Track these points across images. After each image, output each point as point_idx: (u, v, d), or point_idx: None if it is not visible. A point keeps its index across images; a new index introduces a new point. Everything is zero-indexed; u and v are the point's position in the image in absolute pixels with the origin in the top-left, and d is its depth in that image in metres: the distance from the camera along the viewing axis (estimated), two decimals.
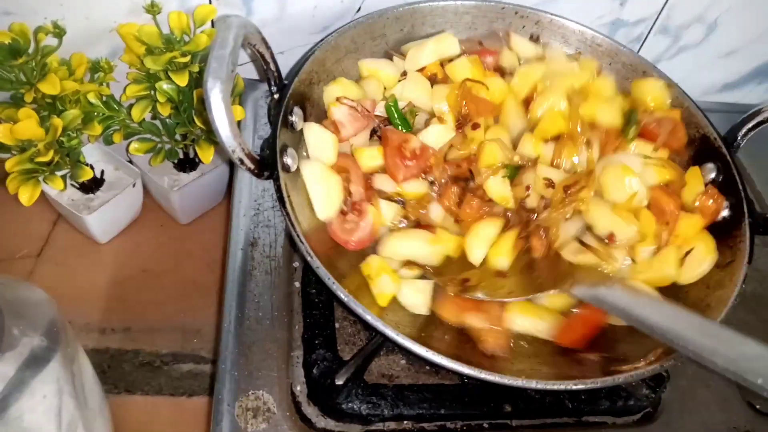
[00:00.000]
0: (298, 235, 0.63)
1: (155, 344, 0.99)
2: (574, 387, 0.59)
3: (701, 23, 1.06)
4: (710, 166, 0.78)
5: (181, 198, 1.06)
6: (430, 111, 0.81)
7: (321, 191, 0.73)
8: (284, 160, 0.70)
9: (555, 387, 0.59)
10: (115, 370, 0.96)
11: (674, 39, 1.08)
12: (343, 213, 0.75)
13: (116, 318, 1.01)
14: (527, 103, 0.82)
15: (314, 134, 0.76)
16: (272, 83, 0.73)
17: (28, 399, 0.60)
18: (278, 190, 0.65)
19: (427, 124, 0.79)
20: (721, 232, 0.75)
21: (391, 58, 0.86)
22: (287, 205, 0.65)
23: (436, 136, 0.79)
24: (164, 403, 0.94)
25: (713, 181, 0.78)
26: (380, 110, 0.81)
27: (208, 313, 1.03)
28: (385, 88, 0.84)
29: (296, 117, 0.74)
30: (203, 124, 0.93)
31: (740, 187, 0.74)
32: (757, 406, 0.80)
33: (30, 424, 0.59)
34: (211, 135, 0.95)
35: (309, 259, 0.62)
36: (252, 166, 0.63)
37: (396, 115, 0.80)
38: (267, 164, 0.66)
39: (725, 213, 0.75)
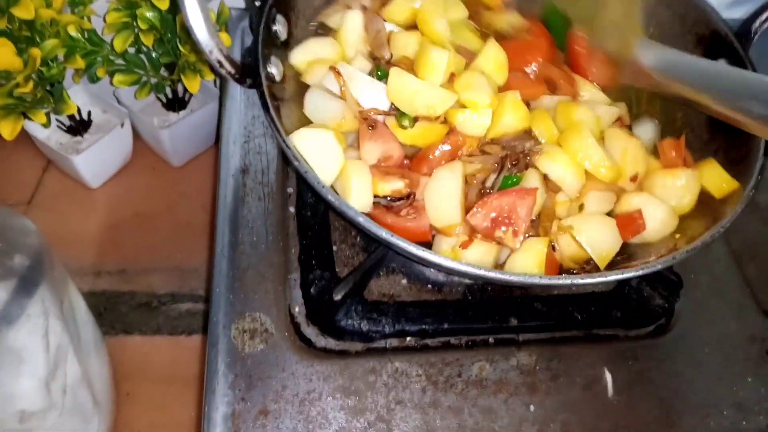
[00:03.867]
0: (283, 140, 0.59)
1: (151, 285, 0.97)
2: (581, 281, 0.56)
3: None
4: (722, 62, 0.74)
5: (171, 137, 1.03)
6: None
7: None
8: (268, 69, 0.66)
9: (560, 282, 0.57)
10: (112, 312, 0.94)
11: None
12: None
13: (110, 261, 0.99)
14: None
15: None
16: None
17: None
18: (261, 95, 0.62)
19: None
20: (734, 128, 0.70)
21: None
22: (271, 111, 0.61)
23: None
24: (163, 342, 0.92)
25: None
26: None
27: (204, 253, 1.01)
28: None
29: (280, 26, 0.70)
30: (188, 50, 0.89)
31: None
32: None
33: (15, 343, 0.57)
34: (196, 64, 0.91)
35: (296, 163, 0.58)
36: (232, 70, 0.59)
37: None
38: (249, 71, 0.62)
39: None
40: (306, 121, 0.72)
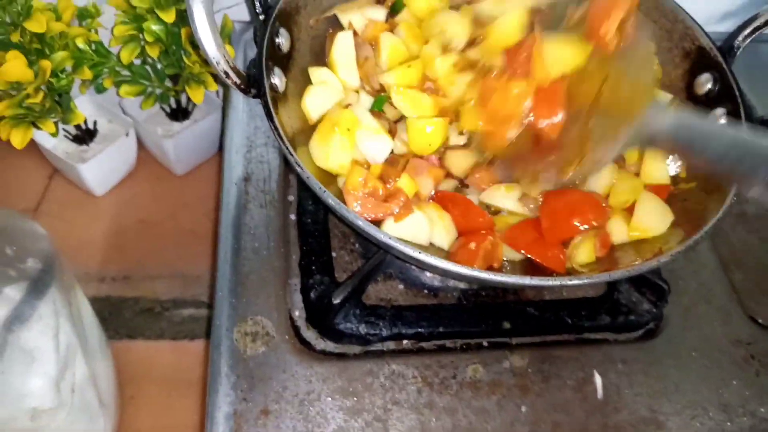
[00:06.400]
0: (287, 147, 0.62)
1: (155, 291, 1.00)
2: (569, 282, 0.58)
3: None
4: (706, 76, 0.77)
5: (175, 147, 1.06)
6: None
7: None
8: (272, 80, 0.69)
9: (550, 283, 0.59)
10: (116, 317, 0.96)
11: None
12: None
13: (115, 267, 1.01)
14: None
15: None
16: (257, 4, 0.71)
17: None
18: (266, 105, 0.64)
19: None
20: None
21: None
22: (275, 119, 0.64)
23: None
24: (166, 346, 0.94)
25: (709, 92, 0.77)
26: None
27: (207, 260, 1.03)
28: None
29: (283, 39, 0.72)
30: (192, 62, 0.92)
31: (737, 93, 0.73)
32: (759, 320, 0.79)
33: (27, 343, 0.59)
34: (200, 75, 0.94)
35: (299, 170, 0.61)
36: (237, 81, 0.62)
37: None
38: (254, 82, 0.65)
39: (723, 121, 0.74)
40: (306, 128, 0.75)
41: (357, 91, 0.75)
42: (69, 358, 0.64)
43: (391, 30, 0.78)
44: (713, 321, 0.79)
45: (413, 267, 0.76)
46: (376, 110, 0.73)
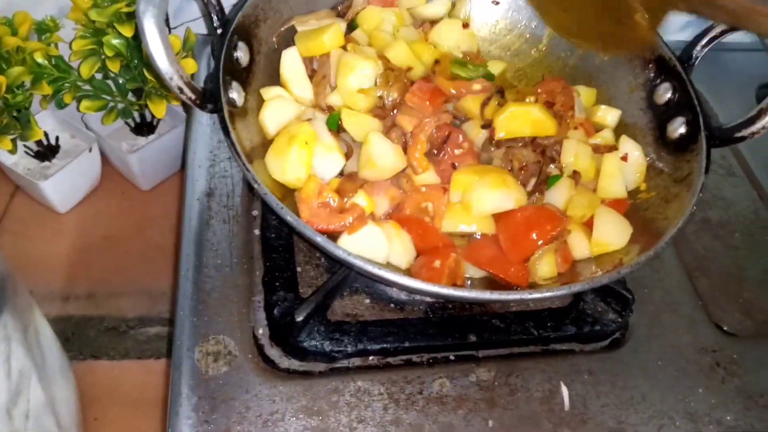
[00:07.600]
0: (243, 164, 0.61)
1: (120, 309, 0.98)
2: (531, 297, 0.58)
3: None
4: (666, 86, 0.77)
5: (140, 161, 1.04)
6: None
7: None
8: (229, 94, 0.68)
9: (512, 297, 0.59)
10: (80, 337, 0.94)
11: None
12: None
13: (79, 285, 0.99)
14: None
15: None
16: (214, 18, 0.70)
17: None
18: (222, 120, 0.64)
19: None
20: (678, 149, 0.74)
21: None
22: (231, 135, 0.63)
23: None
24: (131, 366, 0.93)
25: (669, 101, 0.77)
26: None
27: (173, 276, 1.02)
28: None
29: (241, 52, 0.72)
30: (155, 76, 0.91)
31: (695, 103, 0.73)
32: (725, 327, 0.80)
33: None
34: (163, 89, 0.93)
35: (256, 186, 0.60)
36: (192, 96, 0.61)
37: None
38: (210, 97, 0.64)
39: (682, 130, 0.74)
40: (266, 143, 0.74)
41: (314, 107, 0.75)
42: (22, 384, 0.62)
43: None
44: (679, 329, 0.79)
45: None
46: (332, 129, 0.72)
